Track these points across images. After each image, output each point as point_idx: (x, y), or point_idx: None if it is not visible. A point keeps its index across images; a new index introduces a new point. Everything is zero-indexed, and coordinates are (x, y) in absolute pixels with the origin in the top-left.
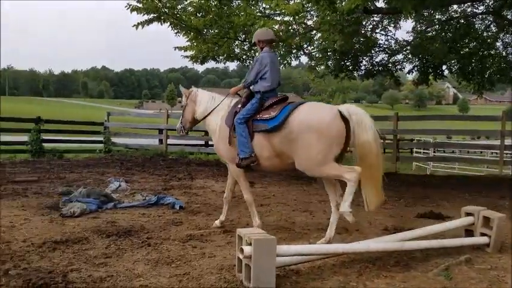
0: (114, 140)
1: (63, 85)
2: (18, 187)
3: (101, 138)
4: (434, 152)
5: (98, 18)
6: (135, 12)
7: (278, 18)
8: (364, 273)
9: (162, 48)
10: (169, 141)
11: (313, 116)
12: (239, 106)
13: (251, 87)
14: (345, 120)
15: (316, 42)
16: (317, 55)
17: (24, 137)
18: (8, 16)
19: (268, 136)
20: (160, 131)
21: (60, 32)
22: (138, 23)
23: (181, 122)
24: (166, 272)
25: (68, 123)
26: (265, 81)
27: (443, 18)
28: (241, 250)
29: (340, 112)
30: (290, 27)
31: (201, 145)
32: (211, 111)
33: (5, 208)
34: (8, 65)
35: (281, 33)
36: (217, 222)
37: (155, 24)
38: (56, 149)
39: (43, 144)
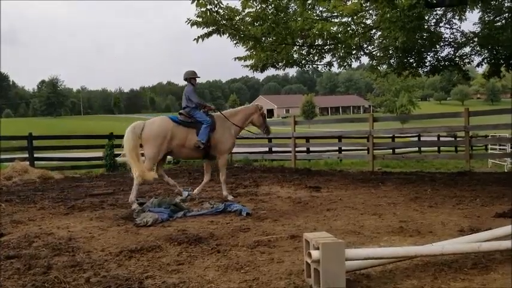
0: None
1: (133, 102)
2: (95, 200)
3: None
4: (511, 147)
5: (163, 35)
6: (195, 26)
7: (336, 20)
8: (440, 277)
9: (223, 60)
10: (234, 149)
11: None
12: None
13: None
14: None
15: (376, 41)
16: (378, 54)
17: (99, 153)
18: (86, 38)
19: None
20: None
21: (130, 50)
22: (199, 37)
23: None
24: (236, 278)
25: None
26: None
27: None
28: (309, 254)
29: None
30: (349, 28)
31: (265, 152)
32: None
33: (84, 220)
34: (82, 86)
35: (339, 35)
36: None
37: (215, 36)
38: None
39: (116, 158)
